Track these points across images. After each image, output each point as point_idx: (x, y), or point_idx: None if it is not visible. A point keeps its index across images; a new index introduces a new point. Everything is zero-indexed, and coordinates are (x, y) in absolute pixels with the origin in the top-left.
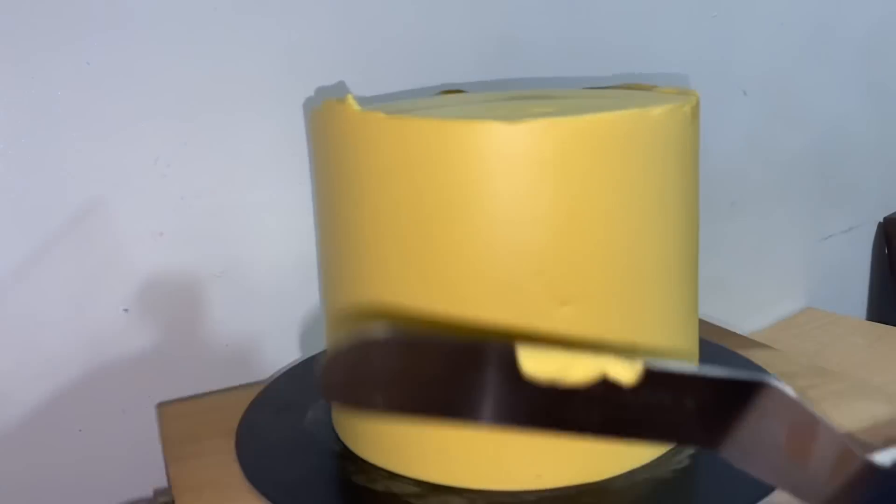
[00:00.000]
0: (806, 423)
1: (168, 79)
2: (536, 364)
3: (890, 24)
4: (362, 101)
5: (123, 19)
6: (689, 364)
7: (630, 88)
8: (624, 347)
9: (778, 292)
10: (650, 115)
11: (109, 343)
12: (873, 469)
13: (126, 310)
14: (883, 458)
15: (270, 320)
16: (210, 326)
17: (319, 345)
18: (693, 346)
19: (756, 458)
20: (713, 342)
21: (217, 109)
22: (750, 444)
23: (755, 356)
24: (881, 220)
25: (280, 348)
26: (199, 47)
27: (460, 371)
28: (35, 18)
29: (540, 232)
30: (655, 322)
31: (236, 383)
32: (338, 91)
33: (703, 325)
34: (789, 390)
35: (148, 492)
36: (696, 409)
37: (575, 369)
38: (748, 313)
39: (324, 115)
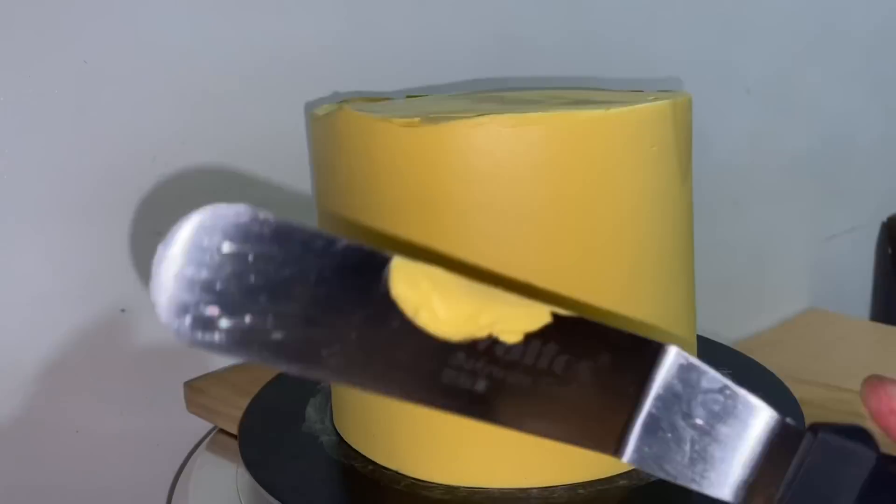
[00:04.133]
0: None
1: (166, 77)
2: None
3: (895, 22)
4: (350, 98)
5: (121, 17)
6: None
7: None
8: None
9: (781, 293)
10: (631, 112)
11: (107, 344)
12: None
13: (123, 310)
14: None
15: None
16: None
17: None
18: (691, 347)
19: None
20: (713, 341)
21: (216, 108)
22: None
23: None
24: (885, 219)
25: None
26: (196, 45)
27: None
28: (31, 16)
29: (530, 233)
30: (649, 321)
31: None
32: (336, 90)
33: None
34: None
35: (145, 494)
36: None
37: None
38: (751, 314)
39: (328, 119)
